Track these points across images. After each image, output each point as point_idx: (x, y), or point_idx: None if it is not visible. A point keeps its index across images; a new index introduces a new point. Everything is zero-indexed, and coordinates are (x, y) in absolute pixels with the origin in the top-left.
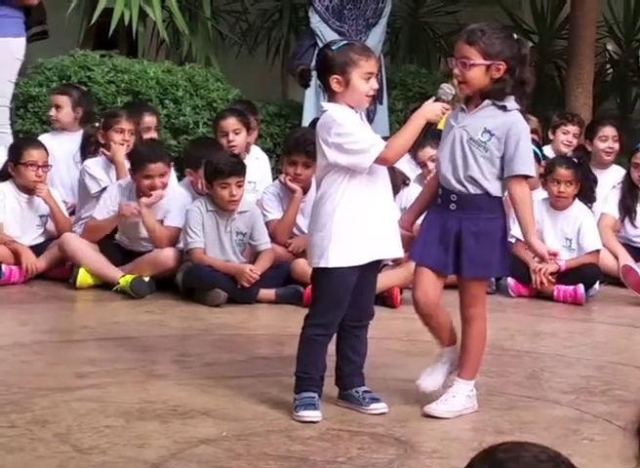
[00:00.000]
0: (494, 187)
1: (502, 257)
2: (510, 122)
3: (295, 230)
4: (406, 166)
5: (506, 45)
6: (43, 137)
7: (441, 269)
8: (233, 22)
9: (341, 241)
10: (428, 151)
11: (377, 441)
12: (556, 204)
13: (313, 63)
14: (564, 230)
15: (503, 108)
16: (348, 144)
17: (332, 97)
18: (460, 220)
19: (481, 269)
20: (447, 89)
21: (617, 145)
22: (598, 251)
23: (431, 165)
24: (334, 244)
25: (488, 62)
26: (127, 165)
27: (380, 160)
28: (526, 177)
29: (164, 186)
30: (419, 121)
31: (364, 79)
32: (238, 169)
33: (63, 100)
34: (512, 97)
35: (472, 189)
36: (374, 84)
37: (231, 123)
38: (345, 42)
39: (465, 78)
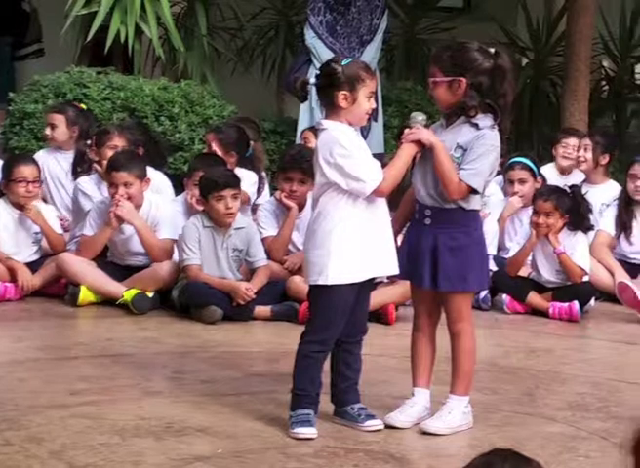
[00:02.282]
0: (467, 201)
1: (480, 271)
2: (478, 137)
3: (290, 247)
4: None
5: (471, 59)
6: (39, 155)
7: (419, 284)
8: (229, 39)
9: (341, 258)
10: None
11: (372, 458)
12: (537, 233)
13: (312, 79)
14: (555, 258)
15: (476, 126)
16: (350, 168)
17: (332, 113)
18: (435, 235)
19: (457, 283)
20: (418, 116)
21: (578, 154)
22: (584, 272)
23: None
24: (333, 261)
25: (448, 79)
26: None
27: (377, 192)
28: (471, 190)
29: (129, 197)
30: (409, 150)
31: (367, 97)
32: (232, 181)
33: (58, 119)
34: (489, 116)
35: (446, 204)
36: (373, 103)
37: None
38: (351, 59)
39: (433, 96)
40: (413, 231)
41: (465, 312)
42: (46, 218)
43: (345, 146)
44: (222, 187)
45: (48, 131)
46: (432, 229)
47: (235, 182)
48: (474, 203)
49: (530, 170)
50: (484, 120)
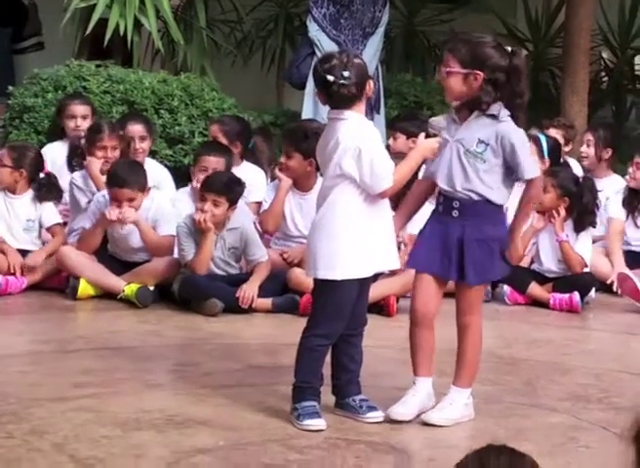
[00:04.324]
0: (496, 195)
1: (500, 263)
2: (502, 130)
3: (292, 228)
4: None
5: (490, 55)
6: (49, 146)
7: (444, 276)
8: (228, 32)
9: (351, 254)
10: None
11: (374, 449)
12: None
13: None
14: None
15: (493, 117)
16: (373, 162)
17: (350, 104)
18: (462, 227)
19: (484, 275)
20: (436, 123)
21: (580, 149)
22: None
23: None
24: (344, 257)
25: (465, 71)
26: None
27: (383, 193)
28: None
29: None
30: (417, 158)
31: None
32: (221, 188)
33: (89, 110)
34: (500, 105)
35: (475, 196)
36: None
37: (137, 129)
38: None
39: (444, 85)
40: (436, 223)
41: (476, 305)
42: (44, 210)
43: (374, 140)
44: (207, 189)
45: (80, 122)
46: (460, 221)
47: (224, 190)
48: (502, 197)
49: (538, 145)
50: (498, 110)
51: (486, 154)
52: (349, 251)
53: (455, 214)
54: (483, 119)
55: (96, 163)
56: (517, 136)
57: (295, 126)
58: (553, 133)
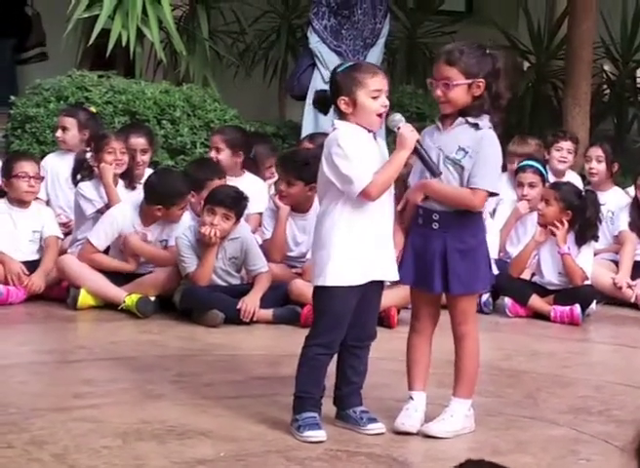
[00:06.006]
0: None
1: (485, 271)
2: (480, 138)
3: (295, 250)
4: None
5: (484, 62)
6: (49, 157)
7: (429, 289)
8: (231, 43)
9: (339, 260)
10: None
11: (374, 461)
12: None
13: (312, 84)
14: (560, 257)
15: (475, 126)
16: (342, 167)
17: (342, 118)
18: (443, 238)
19: (469, 285)
20: (396, 117)
21: (590, 165)
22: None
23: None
24: (332, 262)
25: (469, 81)
26: (121, 184)
27: (363, 195)
28: (489, 194)
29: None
30: (401, 155)
31: (372, 97)
32: (230, 201)
33: (70, 122)
34: (486, 117)
35: (454, 207)
36: (383, 101)
37: (139, 142)
38: (351, 63)
39: (448, 98)
40: (417, 237)
41: (470, 315)
42: (45, 220)
43: (342, 146)
44: (217, 204)
45: (59, 133)
46: (440, 233)
47: (234, 204)
48: None
49: (540, 174)
50: (482, 120)
51: (464, 161)
52: (336, 257)
53: (435, 226)
54: (465, 127)
55: (110, 171)
56: (494, 148)
57: (293, 153)
58: (566, 146)
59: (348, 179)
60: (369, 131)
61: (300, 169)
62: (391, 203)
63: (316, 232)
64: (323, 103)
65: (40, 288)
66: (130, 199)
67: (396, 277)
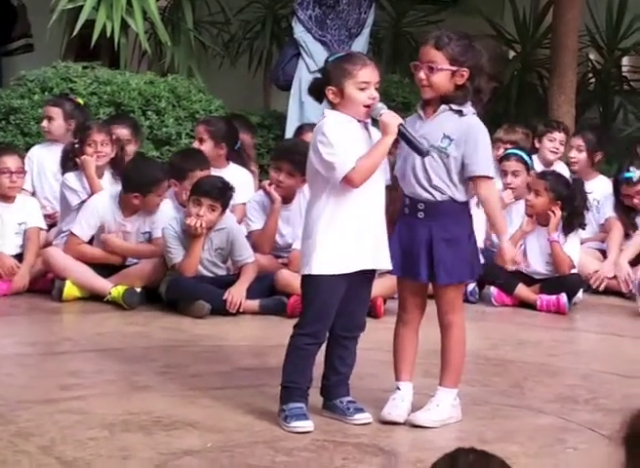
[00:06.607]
0: (459, 193)
1: (472, 261)
2: (467, 125)
3: (279, 239)
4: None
5: (470, 53)
6: (35, 149)
7: (415, 278)
8: (215, 33)
9: (324, 248)
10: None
11: (361, 451)
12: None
13: (297, 74)
14: (547, 246)
15: (459, 113)
16: (325, 154)
17: (332, 107)
18: (429, 228)
19: (454, 275)
20: (378, 106)
21: (570, 155)
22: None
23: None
24: (317, 251)
25: (453, 68)
26: (108, 176)
27: (346, 181)
28: (488, 178)
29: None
30: (385, 141)
31: (359, 89)
32: (216, 192)
33: (56, 112)
34: (469, 103)
35: (439, 196)
36: (371, 93)
37: (123, 133)
38: (343, 54)
39: (430, 82)
40: (403, 226)
41: (457, 304)
42: (30, 211)
43: (326, 134)
44: (203, 194)
45: (45, 123)
46: (426, 222)
47: (220, 195)
48: (464, 195)
49: (524, 163)
50: (466, 107)
51: (449, 149)
52: (321, 245)
53: (420, 215)
54: (449, 114)
55: (91, 163)
56: (482, 132)
57: (294, 145)
58: (559, 137)
59: (331, 166)
60: (359, 120)
61: (303, 163)
62: (382, 191)
63: (305, 221)
64: (318, 91)
65: (25, 286)
66: (109, 189)
67: (389, 266)
